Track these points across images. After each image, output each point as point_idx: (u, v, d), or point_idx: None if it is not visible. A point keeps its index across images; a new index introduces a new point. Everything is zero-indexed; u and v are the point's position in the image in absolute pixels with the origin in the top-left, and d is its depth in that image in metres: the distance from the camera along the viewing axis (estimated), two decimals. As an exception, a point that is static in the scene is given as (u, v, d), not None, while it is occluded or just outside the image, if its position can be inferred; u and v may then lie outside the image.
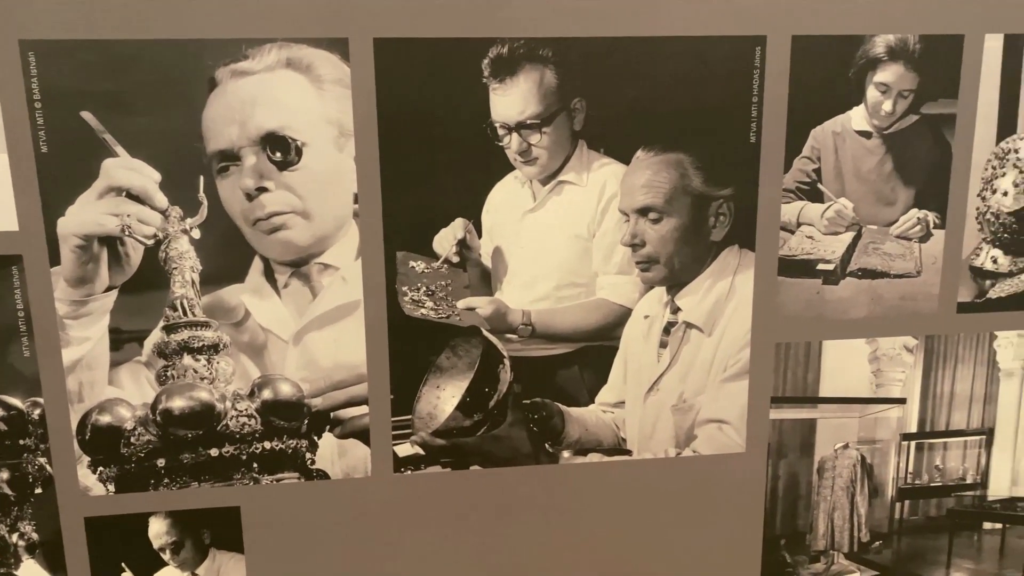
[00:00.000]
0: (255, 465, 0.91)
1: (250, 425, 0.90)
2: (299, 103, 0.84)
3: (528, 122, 0.88)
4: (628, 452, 0.97)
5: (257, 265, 0.88)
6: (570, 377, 0.95)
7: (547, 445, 0.96)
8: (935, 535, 1.06)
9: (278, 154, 0.85)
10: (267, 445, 0.90)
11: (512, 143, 0.88)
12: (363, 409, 0.91)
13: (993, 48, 0.92)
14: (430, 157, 0.86)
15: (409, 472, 0.94)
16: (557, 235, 0.92)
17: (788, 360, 0.98)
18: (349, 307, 0.89)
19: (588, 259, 0.93)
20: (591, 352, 0.95)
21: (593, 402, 0.96)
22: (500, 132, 0.88)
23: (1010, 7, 0.91)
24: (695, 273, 0.94)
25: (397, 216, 0.87)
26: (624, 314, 0.94)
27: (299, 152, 0.85)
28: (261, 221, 0.86)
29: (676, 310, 0.95)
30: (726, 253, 0.94)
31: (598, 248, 0.93)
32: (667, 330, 0.95)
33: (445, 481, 0.95)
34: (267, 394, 0.90)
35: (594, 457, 0.97)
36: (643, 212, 0.92)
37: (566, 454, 0.96)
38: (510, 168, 0.89)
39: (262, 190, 0.85)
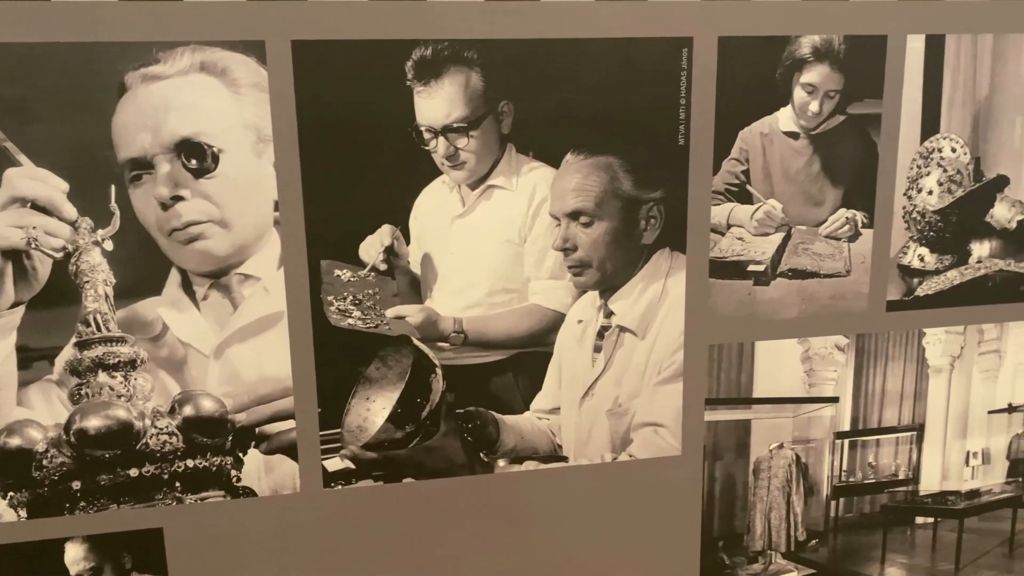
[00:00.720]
0: (177, 484, 0.87)
1: (171, 443, 0.86)
2: (215, 108, 0.81)
3: (455, 125, 0.86)
4: (564, 458, 0.96)
5: (174, 277, 0.84)
6: (504, 384, 0.94)
7: (482, 454, 0.94)
8: (869, 531, 1.07)
9: (193, 161, 0.81)
10: (190, 463, 0.87)
11: (439, 147, 0.86)
12: (290, 423, 0.89)
13: (915, 49, 0.94)
14: (354, 162, 0.84)
15: (340, 487, 0.92)
16: (487, 240, 0.90)
17: (721, 362, 0.97)
18: (272, 318, 0.86)
19: (520, 264, 0.91)
20: (525, 358, 0.93)
21: (528, 409, 0.94)
22: (426, 136, 0.86)
23: (930, 8, 0.92)
24: (627, 276, 0.93)
25: (320, 223, 0.85)
26: (557, 319, 0.93)
27: (215, 159, 0.82)
28: (177, 231, 0.83)
29: (609, 314, 0.94)
30: (657, 256, 0.93)
31: (530, 253, 0.91)
32: (601, 334, 0.94)
33: (377, 495, 0.93)
34: (188, 410, 0.86)
35: (530, 465, 0.95)
36: (574, 216, 0.91)
37: (502, 463, 0.95)
38: (437, 173, 0.87)
39: (177, 199, 0.82)
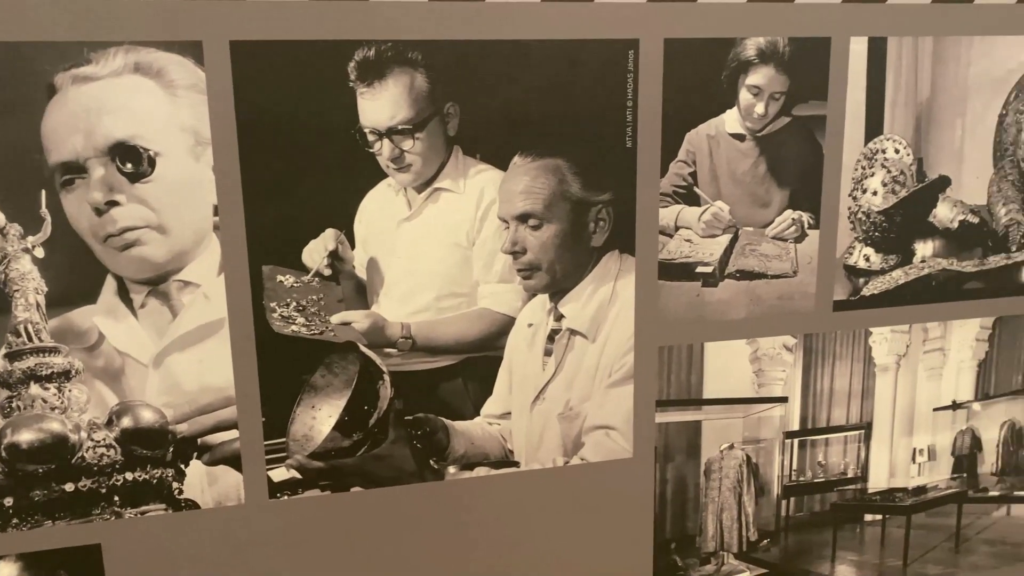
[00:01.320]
0: (116, 498, 0.85)
1: (109, 456, 0.83)
2: (150, 110, 0.78)
3: (399, 127, 0.85)
4: (516, 463, 0.95)
5: (110, 284, 0.82)
6: (454, 390, 0.92)
7: (432, 461, 0.92)
8: (820, 530, 1.08)
9: (129, 165, 0.79)
10: (129, 476, 0.84)
11: (383, 149, 0.85)
12: (233, 433, 0.86)
13: (858, 51, 0.95)
14: (295, 165, 0.82)
15: (286, 497, 0.89)
16: (435, 244, 0.89)
17: (671, 363, 0.97)
18: (213, 326, 0.84)
19: (468, 268, 0.90)
20: (474, 363, 0.92)
21: (478, 414, 0.93)
22: (370, 138, 0.84)
23: (872, 11, 0.93)
24: (577, 279, 0.93)
25: (261, 228, 0.83)
26: (507, 323, 0.92)
27: (152, 162, 0.79)
28: (113, 237, 0.80)
29: (560, 317, 0.93)
30: (607, 258, 0.93)
31: (478, 256, 0.90)
32: (551, 338, 0.94)
33: (324, 505, 0.91)
34: (127, 422, 0.84)
35: (481, 471, 0.94)
36: (523, 219, 0.90)
37: (452, 469, 0.93)
38: (382, 175, 0.86)
39: (112, 204, 0.79)
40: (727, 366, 1.00)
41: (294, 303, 0.85)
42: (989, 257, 1.04)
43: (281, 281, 0.85)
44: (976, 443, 1.11)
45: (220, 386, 0.85)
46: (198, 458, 0.86)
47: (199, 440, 0.86)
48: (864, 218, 1.00)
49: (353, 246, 0.87)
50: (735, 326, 0.98)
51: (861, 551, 1.10)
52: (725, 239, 0.95)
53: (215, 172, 0.81)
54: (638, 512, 1.01)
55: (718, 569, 1.05)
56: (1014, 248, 1.05)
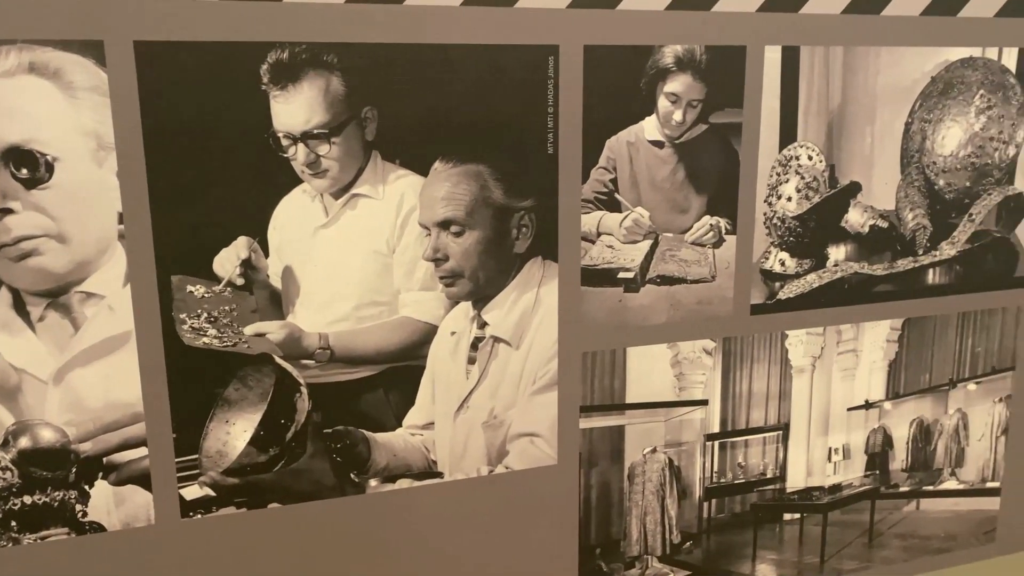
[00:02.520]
0: (13, 524, 0.80)
1: (4, 479, 0.79)
2: (47, 113, 0.74)
3: (315, 132, 0.82)
4: (439, 474, 0.94)
5: (4, 297, 0.77)
6: (375, 401, 0.90)
7: (353, 475, 0.90)
8: (741, 530, 1.10)
9: (24, 170, 0.75)
10: (27, 500, 0.80)
11: (298, 154, 0.83)
12: (142, 451, 0.83)
13: (772, 59, 0.96)
14: (205, 170, 0.79)
15: (199, 516, 0.86)
16: (354, 251, 0.87)
17: (595, 369, 0.97)
18: (119, 339, 0.80)
19: (389, 276, 0.88)
20: (396, 373, 0.90)
21: (401, 425, 0.92)
22: (284, 143, 0.82)
23: (786, 21, 0.95)
24: (500, 286, 0.92)
25: (170, 236, 0.79)
26: (430, 331, 0.91)
27: (49, 168, 0.75)
28: (7, 247, 0.76)
29: (483, 325, 0.92)
30: (530, 265, 0.92)
31: (399, 264, 0.88)
32: (475, 345, 0.93)
33: (241, 523, 0.87)
34: (24, 442, 0.79)
35: (404, 483, 0.93)
36: (444, 225, 0.89)
37: (373, 483, 0.91)
38: (298, 181, 0.83)
39: (6, 212, 0.75)
40: (649, 370, 1.00)
41: (205, 314, 0.82)
42: (898, 260, 1.08)
43: (191, 291, 0.81)
44: (887, 441, 1.15)
45: (127, 402, 0.81)
46: (104, 478, 0.82)
47: (104, 459, 0.82)
48: (779, 223, 1.02)
49: (267, 254, 0.84)
50: (656, 331, 0.99)
51: (780, 550, 1.12)
52: (646, 245, 0.96)
53: (119, 178, 0.77)
54: (563, 518, 1.01)
55: (642, 573, 1.06)
56: (920, 252, 1.08)
